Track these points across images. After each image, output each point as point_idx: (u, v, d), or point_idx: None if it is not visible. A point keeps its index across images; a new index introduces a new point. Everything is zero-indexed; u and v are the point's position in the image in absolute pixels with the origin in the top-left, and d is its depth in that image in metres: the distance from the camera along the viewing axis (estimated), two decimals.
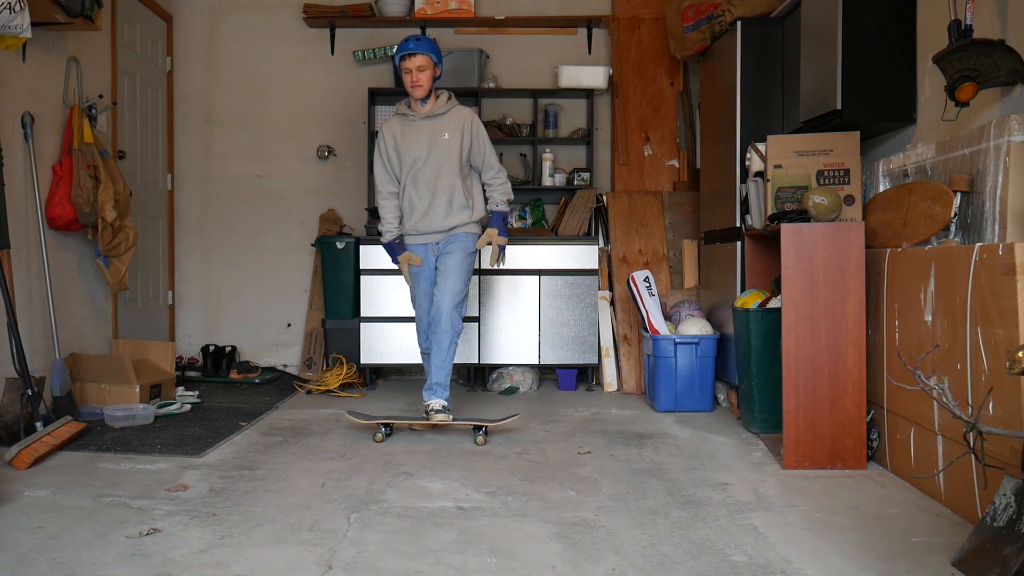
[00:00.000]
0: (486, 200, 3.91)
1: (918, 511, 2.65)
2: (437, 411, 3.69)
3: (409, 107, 3.86)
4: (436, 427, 3.76)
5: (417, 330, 4.03)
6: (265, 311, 5.66)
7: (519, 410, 4.20)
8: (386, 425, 3.66)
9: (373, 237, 4.97)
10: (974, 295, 2.49)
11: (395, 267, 4.90)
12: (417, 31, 5.56)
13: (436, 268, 3.87)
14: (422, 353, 4.02)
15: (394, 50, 3.81)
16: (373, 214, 5.15)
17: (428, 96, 3.79)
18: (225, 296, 5.70)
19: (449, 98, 3.86)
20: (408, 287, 3.96)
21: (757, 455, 3.38)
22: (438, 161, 3.79)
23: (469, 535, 2.42)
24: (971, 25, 2.75)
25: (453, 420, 3.69)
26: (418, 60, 3.70)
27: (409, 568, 2.17)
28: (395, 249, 3.92)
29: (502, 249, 3.87)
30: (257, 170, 5.67)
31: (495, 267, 3.93)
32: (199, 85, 5.66)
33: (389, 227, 3.89)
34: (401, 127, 3.85)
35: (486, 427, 3.59)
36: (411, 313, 4.78)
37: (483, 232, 3.90)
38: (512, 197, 3.92)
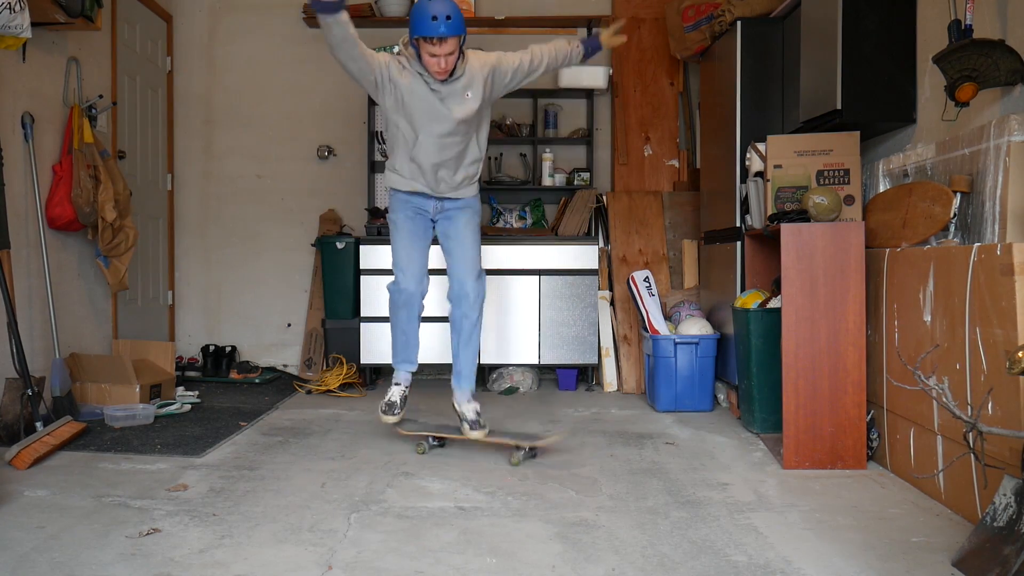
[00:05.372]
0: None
1: (918, 511, 2.65)
2: (473, 424, 3.34)
3: (425, 70, 3.15)
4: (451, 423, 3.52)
5: (394, 301, 3.44)
6: (265, 311, 5.66)
7: (518, 410, 4.19)
8: (437, 438, 3.44)
9: (373, 237, 4.97)
10: (973, 295, 2.49)
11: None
12: None
13: (436, 231, 3.44)
14: (398, 335, 3.47)
15: (412, 24, 3.04)
16: (373, 214, 5.15)
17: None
18: (225, 296, 5.69)
19: (462, 60, 3.18)
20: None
21: (757, 455, 3.38)
22: (458, 118, 3.22)
23: (469, 535, 2.42)
24: (971, 25, 2.75)
25: (489, 437, 3.34)
26: (449, 46, 3.03)
27: (409, 568, 2.17)
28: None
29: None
30: (257, 170, 5.67)
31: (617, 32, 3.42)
32: (199, 85, 5.66)
33: None
34: (414, 83, 3.18)
35: (526, 448, 3.26)
36: None
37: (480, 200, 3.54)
38: None
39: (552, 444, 3.39)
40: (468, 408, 3.40)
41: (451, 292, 3.44)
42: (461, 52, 3.18)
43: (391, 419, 3.45)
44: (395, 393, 3.50)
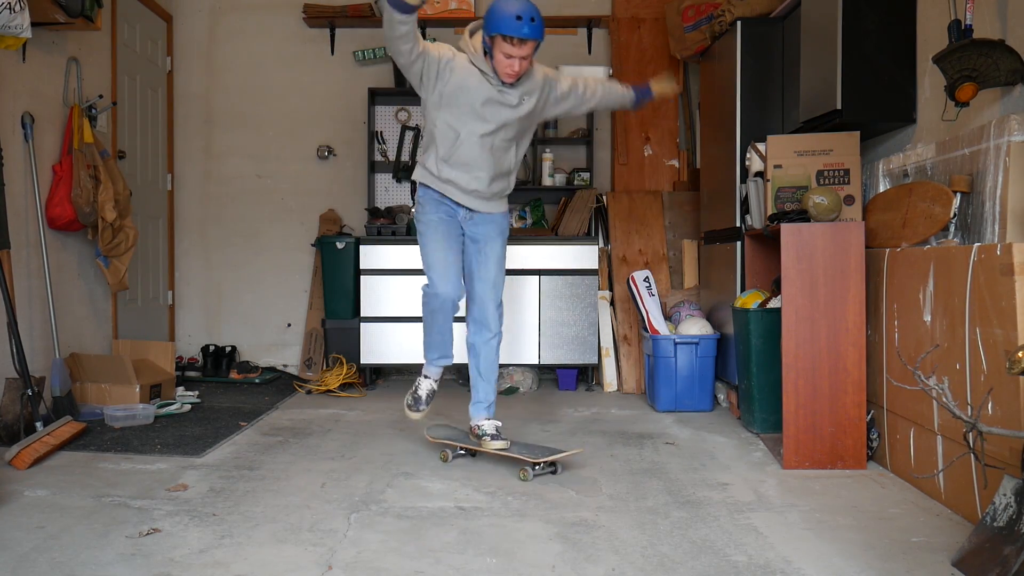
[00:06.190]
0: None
1: (918, 511, 2.65)
2: (494, 436, 3.20)
3: (489, 69, 3.03)
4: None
5: (428, 305, 3.23)
6: (265, 311, 5.66)
7: (519, 410, 4.19)
8: (466, 448, 3.26)
9: (373, 237, 4.97)
10: (973, 295, 2.49)
11: (395, 267, 4.95)
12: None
13: (465, 240, 3.29)
14: (433, 335, 3.28)
15: (492, 21, 2.90)
16: (373, 214, 5.15)
17: None
18: (225, 296, 5.69)
19: (529, 68, 3.08)
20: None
21: (757, 455, 3.38)
22: (506, 119, 3.11)
23: (469, 535, 2.42)
24: (971, 25, 2.75)
25: (510, 452, 3.14)
26: (528, 48, 2.90)
27: (409, 568, 2.17)
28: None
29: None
30: (257, 170, 5.67)
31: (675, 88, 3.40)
32: (199, 85, 5.66)
33: None
34: (470, 77, 3.03)
35: (541, 463, 3.05)
36: (411, 313, 4.81)
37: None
38: None
39: (568, 459, 3.18)
40: (488, 424, 3.26)
41: (471, 314, 3.29)
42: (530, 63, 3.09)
43: (416, 415, 3.32)
44: (423, 386, 3.34)
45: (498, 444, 3.17)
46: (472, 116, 3.07)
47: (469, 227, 3.28)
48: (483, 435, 3.22)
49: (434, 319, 3.28)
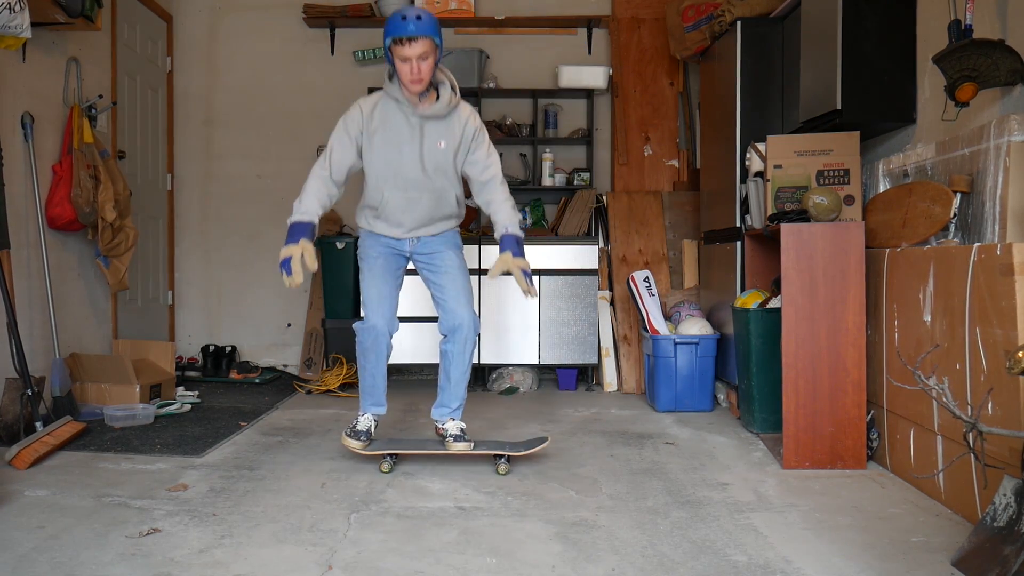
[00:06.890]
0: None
1: (918, 511, 2.65)
2: (457, 438, 3.19)
3: (402, 94, 3.09)
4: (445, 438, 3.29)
5: (361, 343, 3.22)
6: (265, 311, 5.66)
7: (518, 411, 4.18)
8: (393, 455, 3.15)
9: None
10: (973, 295, 2.50)
11: None
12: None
13: (416, 267, 3.32)
14: (366, 378, 3.24)
15: (384, 32, 3.00)
16: None
17: (427, 90, 3.06)
18: (225, 296, 5.70)
19: (452, 96, 3.10)
20: (286, 281, 3.05)
21: (757, 455, 3.38)
22: (428, 171, 3.13)
23: (469, 535, 2.42)
24: (971, 25, 2.75)
25: (475, 449, 3.16)
26: (420, 47, 2.90)
27: (409, 568, 2.17)
28: (300, 232, 3.10)
29: (526, 274, 3.00)
30: (257, 170, 5.67)
31: (528, 298, 3.09)
32: (199, 85, 5.66)
33: (307, 207, 3.15)
34: (386, 115, 3.13)
35: (508, 456, 3.11)
36: (412, 313, 4.81)
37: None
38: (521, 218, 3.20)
39: (537, 453, 3.19)
40: (452, 425, 3.26)
41: (443, 325, 3.24)
42: (450, 88, 3.11)
43: (355, 444, 3.17)
44: (362, 423, 3.24)
45: (461, 446, 3.17)
46: (394, 163, 3.13)
47: (421, 255, 3.29)
48: (447, 436, 3.24)
49: (366, 359, 3.23)
